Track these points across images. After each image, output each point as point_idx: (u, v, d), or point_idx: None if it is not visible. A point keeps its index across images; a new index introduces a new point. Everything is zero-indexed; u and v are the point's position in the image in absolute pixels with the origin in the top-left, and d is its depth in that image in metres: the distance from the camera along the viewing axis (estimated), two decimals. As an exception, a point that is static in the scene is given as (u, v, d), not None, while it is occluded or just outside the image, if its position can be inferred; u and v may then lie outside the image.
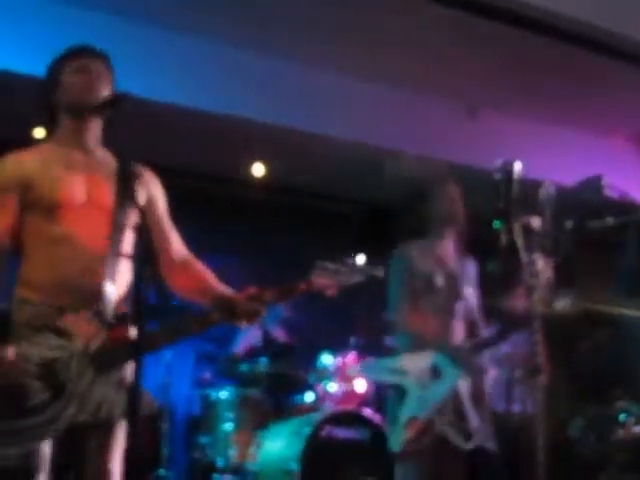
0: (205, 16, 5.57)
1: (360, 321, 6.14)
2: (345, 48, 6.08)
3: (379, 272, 3.10)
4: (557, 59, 6.14)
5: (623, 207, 3.56)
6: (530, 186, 3.34)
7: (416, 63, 6.25)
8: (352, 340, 6.14)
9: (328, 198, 7.67)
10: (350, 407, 5.71)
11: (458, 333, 4.14)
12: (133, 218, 2.91)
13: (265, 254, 7.08)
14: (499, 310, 4.25)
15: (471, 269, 4.28)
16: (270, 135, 6.24)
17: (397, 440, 3.85)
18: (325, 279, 2.95)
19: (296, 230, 7.33)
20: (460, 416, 3.93)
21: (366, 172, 6.81)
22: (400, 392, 3.94)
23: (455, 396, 3.93)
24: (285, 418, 5.77)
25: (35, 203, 2.83)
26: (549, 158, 6.81)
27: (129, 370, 2.82)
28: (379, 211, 7.71)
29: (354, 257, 3.05)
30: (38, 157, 2.92)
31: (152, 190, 3.10)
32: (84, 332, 2.73)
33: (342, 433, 5.26)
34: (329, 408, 5.59)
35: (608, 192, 3.72)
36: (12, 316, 2.73)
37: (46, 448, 2.70)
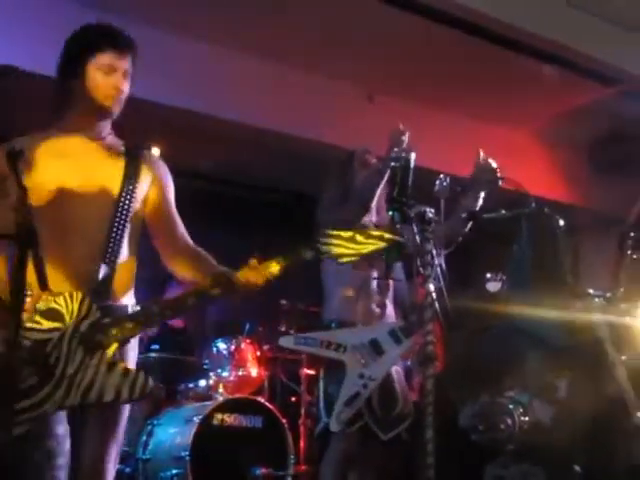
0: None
1: (255, 306, 6.09)
2: (247, 28, 6.00)
3: (398, 238, 2.90)
4: (461, 50, 6.21)
5: (516, 199, 3.60)
6: (426, 176, 3.34)
7: (316, 46, 6.23)
8: (247, 326, 6.11)
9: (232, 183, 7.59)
10: (244, 394, 5.68)
11: (392, 312, 4.16)
12: (140, 202, 2.87)
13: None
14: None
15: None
16: (167, 117, 6.11)
17: (337, 419, 3.78)
18: (336, 247, 2.76)
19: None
20: (389, 399, 3.92)
21: (270, 155, 6.79)
22: (336, 369, 3.89)
23: (387, 377, 3.92)
24: (178, 405, 5.70)
25: (40, 187, 2.72)
26: (449, 148, 6.87)
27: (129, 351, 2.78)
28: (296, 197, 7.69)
29: None
30: (44, 140, 2.83)
31: (160, 173, 3.01)
32: (76, 313, 2.63)
33: (235, 420, 5.21)
34: (222, 395, 5.53)
35: (503, 184, 3.76)
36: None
37: (61, 430, 2.64)
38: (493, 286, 4.02)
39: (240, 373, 5.81)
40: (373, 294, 4.10)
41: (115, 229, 2.79)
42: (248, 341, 6.00)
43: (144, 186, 2.91)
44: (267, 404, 5.42)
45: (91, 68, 2.81)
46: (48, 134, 2.86)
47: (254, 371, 5.93)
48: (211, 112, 6.18)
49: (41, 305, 2.63)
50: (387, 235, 2.79)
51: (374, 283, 4.10)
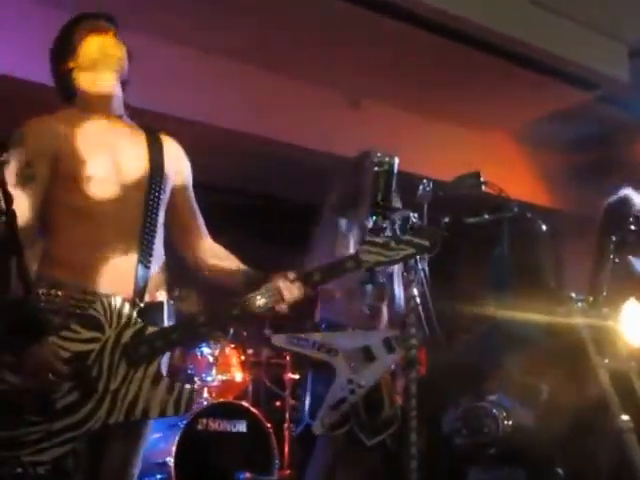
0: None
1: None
2: (236, 32, 5.99)
3: (427, 244, 2.79)
4: (438, 54, 6.23)
5: (498, 203, 3.61)
6: (409, 180, 3.35)
7: (299, 51, 6.23)
8: (231, 331, 6.10)
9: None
10: (228, 399, 5.67)
11: (386, 317, 4.14)
12: (167, 192, 2.74)
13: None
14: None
15: None
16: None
17: (322, 422, 3.78)
18: (373, 255, 2.68)
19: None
20: (375, 405, 3.92)
21: (257, 161, 6.79)
22: (325, 371, 3.86)
23: (377, 385, 3.91)
24: (161, 416, 5.66)
25: (65, 175, 2.59)
26: (429, 152, 6.90)
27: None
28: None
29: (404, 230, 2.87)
30: (64, 124, 2.66)
31: (181, 163, 2.89)
32: (116, 321, 2.49)
33: (219, 425, 5.21)
34: (207, 400, 5.52)
35: (485, 188, 3.78)
36: (35, 301, 2.44)
37: (81, 450, 2.45)
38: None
39: (224, 378, 5.80)
40: (366, 298, 4.09)
41: (149, 220, 2.66)
42: (232, 346, 5.99)
43: (170, 172, 2.78)
44: (251, 409, 5.42)
45: (80, 34, 2.76)
46: (69, 115, 2.72)
47: (238, 376, 5.92)
48: (185, 115, 6.15)
49: (81, 310, 2.49)
50: (416, 240, 2.74)
51: (368, 287, 4.08)
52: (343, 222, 4.03)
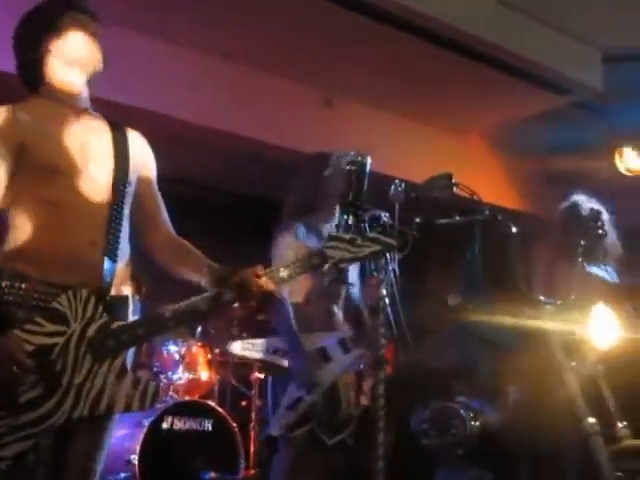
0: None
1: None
2: (208, 28, 5.97)
3: (394, 242, 2.81)
4: (413, 55, 6.23)
5: (470, 206, 3.61)
6: (381, 181, 3.34)
7: (273, 48, 6.21)
8: (198, 330, 6.07)
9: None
10: (194, 397, 5.64)
11: (341, 318, 4.10)
12: (132, 185, 2.69)
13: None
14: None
15: None
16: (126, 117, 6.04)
17: (278, 424, 3.76)
18: (339, 251, 2.66)
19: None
20: (333, 404, 3.91)
21: (229, 158, 6.76)
22: (283, 373, 3.86)
23: (334, 385, 3.90)
24: (126, 411, 5.61)
25: (31, 165, 2.53)
26: (402, 153, 6.90)
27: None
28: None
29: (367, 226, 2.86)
30: (29, 113, 2.60)
31: (146, 156, 2.84)
32: (81, 315, 2.44)
33: (185, 424, 5.17)
34: (173, 398, 5.48)
35: (457, 190, 3.78)
36: None
37: (43, 444, 2.41)
38: (453, 299, 4.04)
39: (191, 376, 5.76)
40: (320, 300, 4.07)
41: (115, 212, 2.61)
42: (199, 344, 5.96)
43: (135, 165, 2.74)
44: (217, 408, 5.39)
45: (66, 23, 2.69)
46: (35, 104, 2.66)
47: (205, 374, 5.89)
48: (163, 111, 6.10)
49: (46, 303, 2.44)
50: (383, 238, 2.73)
51: (321, 289, 4.07)
52: (301, 228, 4.00)
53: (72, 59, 2.70)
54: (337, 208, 4.00)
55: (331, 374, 3.86)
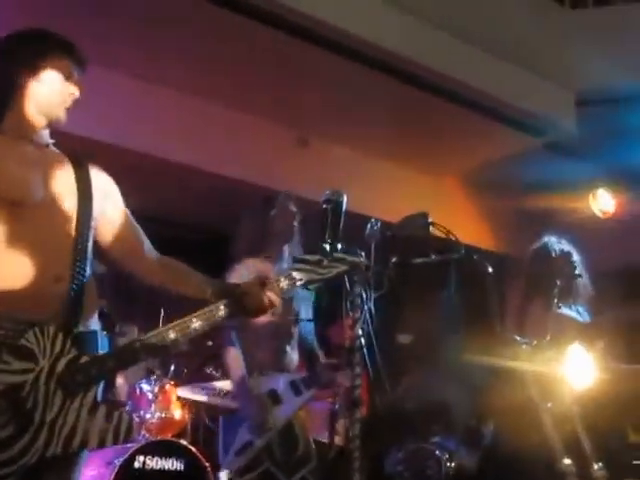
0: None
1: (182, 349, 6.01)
2: (183, 65, 6.00)
3: (360, 260, 2.83)
4: (390, 96, 6.27)
5: (446, 245, 3.62)
6: (357, 220, 3.34)
7: (249, 87, 6.24)
8: (171, 368, 6.01)
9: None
10: (167, 436, 5.57)
11: (293, 358, 4.08)
12: (96, 219, 2.66)
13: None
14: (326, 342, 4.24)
15: (307, 293, 4.12)
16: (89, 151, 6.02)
17: (229, 469, 3.72)
18: (305, 273, 2.67)
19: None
20: (289, 442, 3.87)
21: (203, 195, 6.73)
22: (233, 416, 3.83)
23: (289, 424, 3.87)
24: (100, 446, 5.54)
25: None
26: (378, 193, 6.92)
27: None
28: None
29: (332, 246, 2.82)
30: None
31: (109, 187, 2.80)
32: (50, 351, 2.39)
33: (157, 463, 5.09)
34: (145, 437, 5.41)
35: (433, 229, 3.78)
36: None
37: None
38: (404, 338, 4.05)
39: (163, 415, 5.70)
40: (271, 339, 4.04)
41: (80, 246, 2.56)
42: (172, 383, 5.90)
43: (98, 198, 2.70)
44: (190, 447, 5.31)
45: (49, 69, 2.63)
46: None
47: (177, 413, 5.83)
48: (134, 147, 6.09)
49: (11, 341, 2.37)
50: (349, 258, 2.74)
51: (272, 327, 4.03)
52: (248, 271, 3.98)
53: (49, 104, 2.65)
54: (285, 248, 4.07)
55: (282, 416, 3.84)
